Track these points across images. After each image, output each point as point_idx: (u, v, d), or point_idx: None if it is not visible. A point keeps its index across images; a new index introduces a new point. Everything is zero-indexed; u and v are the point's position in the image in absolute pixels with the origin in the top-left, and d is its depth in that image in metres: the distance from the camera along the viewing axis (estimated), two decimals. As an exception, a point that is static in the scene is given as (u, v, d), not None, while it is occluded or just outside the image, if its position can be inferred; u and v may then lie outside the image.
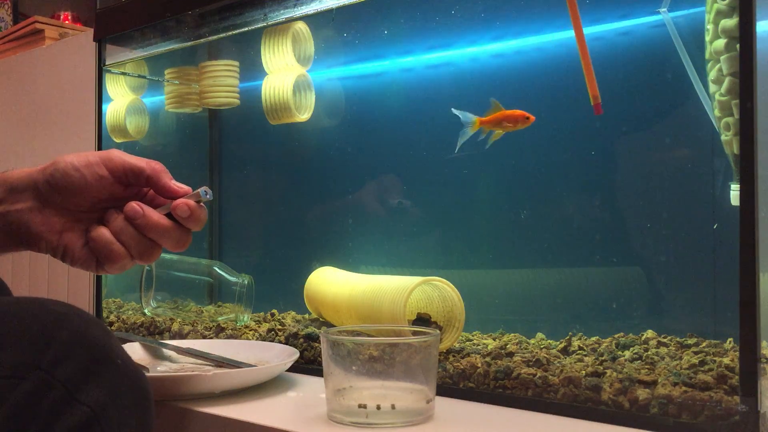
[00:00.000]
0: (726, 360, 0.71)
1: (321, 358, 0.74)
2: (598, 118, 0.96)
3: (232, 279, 1.16)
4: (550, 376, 0.75)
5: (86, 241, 0.63)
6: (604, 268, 0.96)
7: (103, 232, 0.62)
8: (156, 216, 0.62)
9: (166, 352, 0.98)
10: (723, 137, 0.72)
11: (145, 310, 1.18)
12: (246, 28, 1.11)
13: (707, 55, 0.73)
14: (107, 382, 0.53)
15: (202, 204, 0.63)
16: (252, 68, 1.27)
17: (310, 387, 0.87)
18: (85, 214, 0.64)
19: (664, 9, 0.84)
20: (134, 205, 0.62)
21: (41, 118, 1.51)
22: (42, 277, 1.46)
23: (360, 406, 0.69)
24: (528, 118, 0.87)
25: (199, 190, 0.63)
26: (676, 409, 0.67)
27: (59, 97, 1.46)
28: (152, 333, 1.16)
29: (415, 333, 0.77)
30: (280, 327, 1.05)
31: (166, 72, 1.34)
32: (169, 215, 0.63)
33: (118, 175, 0.63)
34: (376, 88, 1.20)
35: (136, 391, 0.55)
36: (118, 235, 0.62)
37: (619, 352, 0.81)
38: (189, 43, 1.19)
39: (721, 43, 0.69)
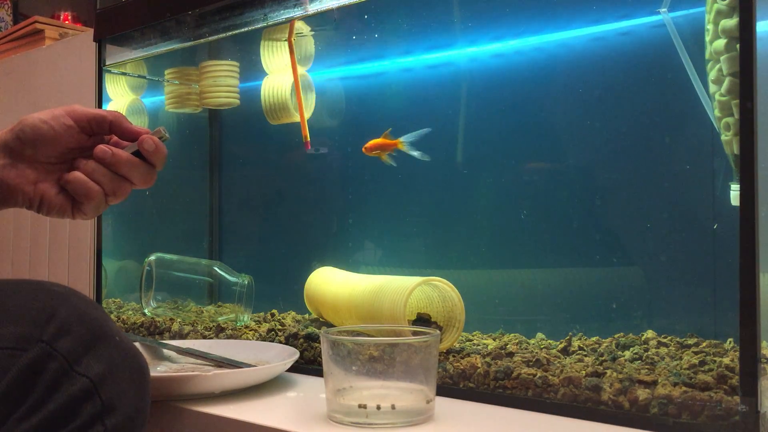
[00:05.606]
0: (726, 360, 0.71)
1: (321, 358, 0.74)
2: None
3: (232, 279, 1.16)
4: (550, 376, 0.75)
5: (60, 189, 0.69)
6: (604, 268, 0.96)
7: (78, 174, 0.68)
8: (124, 153, 0.69)
9: (166, 352, 0.98)
10: (723, 137, 0.72)
11: (145, 310, 1.18)
12: (246, 28, 1.11)
13: (707, 55, 0.73)
14: (106, 356, 0.57)
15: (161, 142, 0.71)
16: (252, 68, 1.27)
17: (310, 387, 0.87)
18: (56, 165, 0.69)
19: (664, 9, 0.84)
20: (103, 147, 0.69)
21: (41, 118, 1.51)
22: (42, 277, 1.46)
23: (360, 406, 0.69)
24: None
25: (158, 128, 0.72)
26: (676, 410, 0.67)
27: (59, 97, 1.45)
28: (152, 333, 1.16)
29: (415, 333, 0.76)
30: (280, 327, 1.05)
31: (166, 72, 1.34)
32: (134, 154, 0.70)
33: (83, 125, 0.69)
34: (376, 88, 1.20)
35: (133, 366, 0.59)
36: (91, 174, 0.68)
37: (619, 352, 0.81)
38: (189, 43, 1.19)
39: (721, 43, 0.69)
